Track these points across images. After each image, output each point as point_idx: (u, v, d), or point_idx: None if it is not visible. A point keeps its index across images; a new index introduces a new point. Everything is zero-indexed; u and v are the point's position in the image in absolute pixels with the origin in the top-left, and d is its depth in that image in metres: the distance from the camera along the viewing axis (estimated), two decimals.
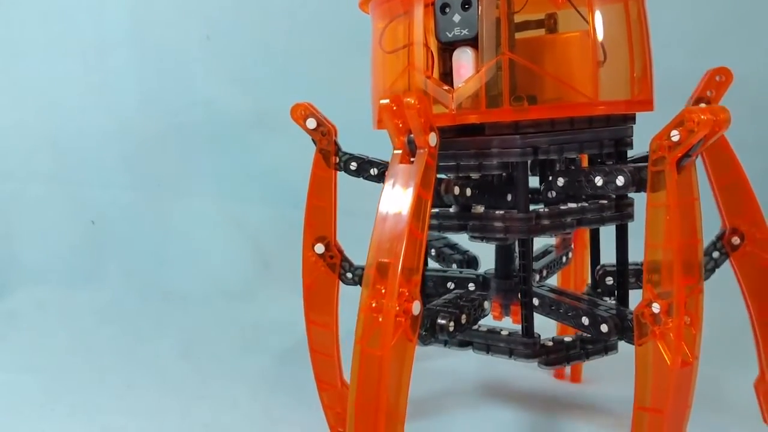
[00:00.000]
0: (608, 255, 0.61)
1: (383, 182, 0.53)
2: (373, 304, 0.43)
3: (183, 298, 1.19)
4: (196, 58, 1.36)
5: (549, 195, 0.52)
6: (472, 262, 0.69)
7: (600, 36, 0.48)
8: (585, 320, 0.50)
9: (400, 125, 0.44)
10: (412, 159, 0.45)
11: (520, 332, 0.53)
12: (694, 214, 0.44)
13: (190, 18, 1.35)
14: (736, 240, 0.56)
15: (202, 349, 0.94)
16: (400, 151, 0.46)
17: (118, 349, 0.95)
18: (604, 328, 0.49)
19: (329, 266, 0.62)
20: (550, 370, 0.79)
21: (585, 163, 0.63)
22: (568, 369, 0.78)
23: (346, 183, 0.65)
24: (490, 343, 0.54)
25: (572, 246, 0.73)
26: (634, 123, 0.53)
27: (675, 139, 0.41)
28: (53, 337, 1.03)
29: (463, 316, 0.52)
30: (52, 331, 1.05)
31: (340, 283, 0.64)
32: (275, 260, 1.32)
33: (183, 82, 1.36)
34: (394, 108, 0.44)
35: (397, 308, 0.42)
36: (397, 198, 0.44)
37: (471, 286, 0.60)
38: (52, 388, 0.81)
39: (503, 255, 0.59)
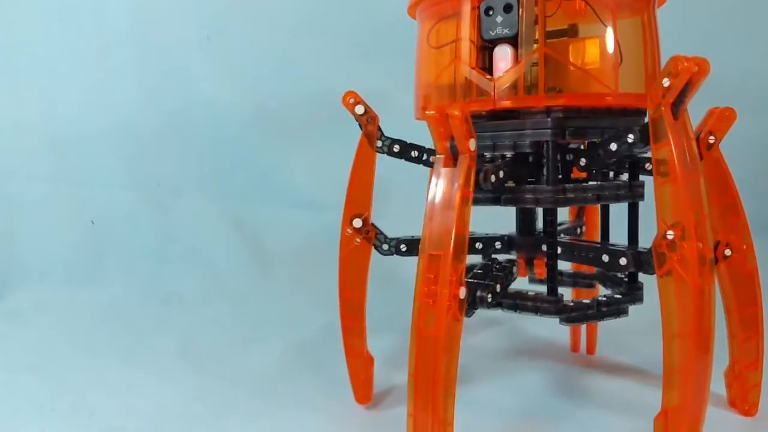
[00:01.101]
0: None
1: (423, 165, 0.69)
2: (426, 291, 0.51)
3: (183, 298, 1.21)
4: (196, 59, 1.38)
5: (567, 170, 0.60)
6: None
7: (618, 40, 0.57)
8: (605, 257, 0.58)
9: (443, 131, 0.52)
10: (453, 162, 0.53)
11: (545, 293, 0.61)
12: (693, 153, 0.51)
13: (190, 18, 1.36)
14: (727, 251, 0.65)
15: (201, 349, 0.96)
16: (443, 156, 0.53)
17: (118, 349, 0.97)
18: (622, 261, 0.57)
19: (365, 239, 0.70)
20: (566, 344, 0.90)
21: None
22: (583, 345, 0.88)
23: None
24: (519, 302, 0.61)
25: (584, 220, 0.82)
26: (645, 115, 0.61)
27: (666, 84, 0.49)
28: (54, 336, 1.03)
29: (498, 286, 0.60)
30: (53, 331, 1.06)
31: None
32: (275, 260, 1.34)
33: (183, 83, 1.38)
34: (439, 117, 0.52)
35: (447, 294, 0.50)
36: (443, 197, 0.52)
37: (497, 245, 0.69)
38: (52, 388, 0.82)
39: (526, 216, 0.68)
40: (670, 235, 0.50)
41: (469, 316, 0.56)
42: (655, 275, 0.52)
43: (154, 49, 1.38)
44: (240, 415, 0.74)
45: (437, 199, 0.52)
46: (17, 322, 1.10)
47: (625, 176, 0.66)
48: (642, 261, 0.55)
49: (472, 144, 0.52)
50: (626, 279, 0.65)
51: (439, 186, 0.53)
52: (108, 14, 1.37)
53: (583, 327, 0.87)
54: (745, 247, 0.65)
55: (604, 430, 0.67)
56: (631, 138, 0.54)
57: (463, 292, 0.51)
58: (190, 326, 1.06)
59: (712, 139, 0.62)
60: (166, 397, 0.79)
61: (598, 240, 0.74)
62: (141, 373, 0.87)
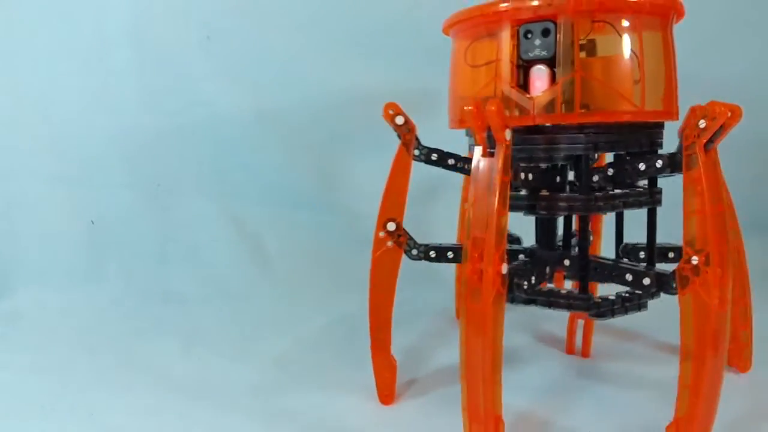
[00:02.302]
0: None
1: (459, 172, 0.76)
2: (472, 269, 0.57)
3: (183, 298, 1.23)
4: (196, 59, 1.38)
5: (593, 180, 0.66)
6: (514, 241, 0.84)
7: (642, 58, 0.63)
8: (629, 276, 0.64)
9: (480, 124, 0.59)
10: (491, 151, 0.59)
11: (576, 291, 0.67)
12: (720, 186, 0.57)
13: (190, 19, 1.37)
14: None
15: (202, 349, 0.97)
16: (481, 147, 0.60)
17: (118, 349, 0.98)
18: (646, 281, 0.62)
19: (397, 243, 0.75)
20: (561, 348, 0.95)
21: (602, 163, 0.81)
22: (578, 344, 0.93)
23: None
24: (552, 300, 0.67)
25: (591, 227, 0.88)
26: (663, 128, 0.68)
27: (702, 126, 0.56)
28: (54, 336, 1.05)
29: (533, 278, 0.67)
30: (53, 331, 1.07)
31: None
32: (275, 260, 1.36)
33: (183, 83, 1.40)
34: (477, 112, 0.58)
35: (492, 270, 0.56)
36: (484, 184, 0.58)
37: (521, 257, 0.74)
38: (52, 388, 0.84)
39: (547, 231, 0.74)
40: (695, 260, 0.56)
41: (509, 301, 0.62)
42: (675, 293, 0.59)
43: (154, 49, 1.39)
44: (240, 414, 0.75)
45: (479, 186, 0.59)
46: (17, 322, 1.11)
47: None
48: (663, 282, 0.61)
49: (508, 134, 0.58)
50: None
51: (480, 174, 0.59)
52: (108, 14, 1.37)
53: (579, 331, 0.92)
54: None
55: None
56: (659, 164, 0.61)
57: (505, 268, 0.57)
58: (190, 326, 1.08)
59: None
60: (166, 396, 0.80)
61: (602, 241, 0.82)
62: (141, 372, 0.88)
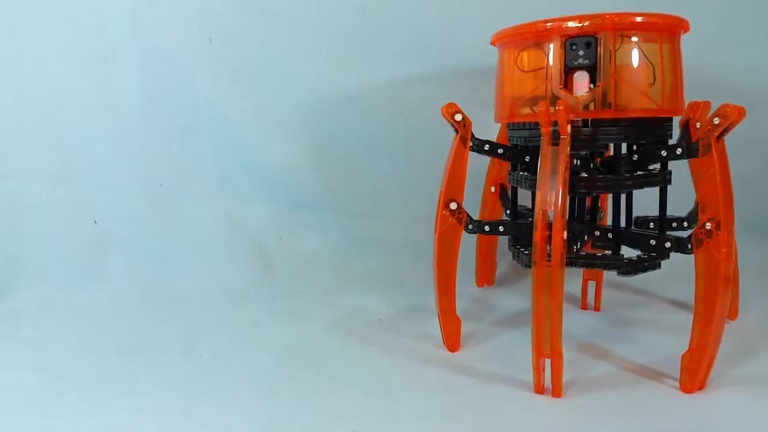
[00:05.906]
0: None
1: (506, 160, 0.91)
2: (541, 235, 0.73)
3: (185, 298, 1.24)
4: (198, 60, 1.39)
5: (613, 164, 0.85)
6: None
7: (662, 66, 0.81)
8: (652, 242, 0.81)
9: (548, 120, 0.75)
10: (555, 143, 0.76)
11: (609, 253, 0.85)
12: (728, 170, 0.75)
13: (192, 21, 1.36)
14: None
15: (204, 348, 0.99)
16: (547, 137, 0.76)
17: (120, 348, 1.00)
18: (667, 244, 0.80)
19: (457, 220, 0.89)
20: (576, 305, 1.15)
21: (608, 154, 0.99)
22: (591, 301, 1.12)
23: None
24: (590, 261, 0.83)
25: (601, 207, 1.05)
26: (672, 122, 0.85)
27: (716, 122, 0.74)
28: (57, 336, 1.07)
29: (575, 246, 0.84)
30: (56, 331, 1.09)
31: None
32: (277, 260, 1.36)
33: (186, 84, 1.42)
34: (546, 111, 0.75)
35: (559, 237, 0.72)
36: (550, 168, 0.74)
37: None
38: (55, 387, 0.85)
39: (578, 205, 0.91)
40: (708, 225, 0.74)
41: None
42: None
43: (157, 51, 1.39)
44: (241, 413, 0.77)
45: (546, 170, 0.74)
46: (20, 322, 1.13)
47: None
48: (681, 244, 0.79)
49: (569, 128, 0.75)
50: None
51: (546, 160, 0.74)
52: (111, 15, 1.38)
53: (591, 290, 1.11)
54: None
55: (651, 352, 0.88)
56: (679, 151, 0.78)
57: (565, 235, 0.72)
58: (193, 325, 1.09)
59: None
60: (169, 395, 0.82)
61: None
62: (143, 371, 0.90)
